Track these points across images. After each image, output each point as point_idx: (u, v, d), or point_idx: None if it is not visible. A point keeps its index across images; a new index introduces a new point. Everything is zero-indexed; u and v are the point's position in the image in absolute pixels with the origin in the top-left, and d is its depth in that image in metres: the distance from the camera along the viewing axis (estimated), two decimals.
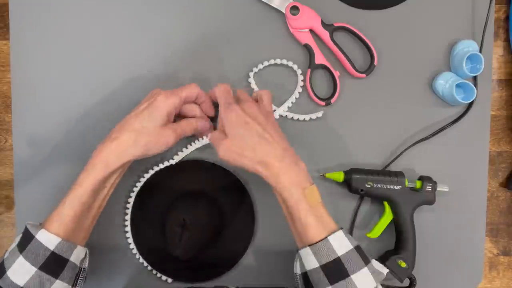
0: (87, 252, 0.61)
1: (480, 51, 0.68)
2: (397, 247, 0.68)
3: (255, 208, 0.70)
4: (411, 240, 0.67)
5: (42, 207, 0.70)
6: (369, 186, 0.67)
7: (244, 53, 0.71)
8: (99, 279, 0.70)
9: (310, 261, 0.54)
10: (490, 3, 0.68)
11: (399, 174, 0.67)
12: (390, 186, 0.67)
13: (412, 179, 0.68)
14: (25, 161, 0.71)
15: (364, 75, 0.70)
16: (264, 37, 0.71)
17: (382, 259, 0.68)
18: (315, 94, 0.69)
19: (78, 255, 0.57)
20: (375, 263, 0.56)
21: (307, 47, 0.69)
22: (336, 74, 0.69)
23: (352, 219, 0.70)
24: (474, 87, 0.68)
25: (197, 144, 0.69)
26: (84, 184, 0.57)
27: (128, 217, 0.69)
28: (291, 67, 0.70)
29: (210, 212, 0.67)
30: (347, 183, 0.68)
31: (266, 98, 0.63)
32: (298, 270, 0.58)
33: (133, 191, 0.69)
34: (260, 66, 0.70)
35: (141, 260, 0.70)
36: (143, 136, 0.59)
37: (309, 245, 0.55)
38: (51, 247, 0.54)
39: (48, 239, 0.54)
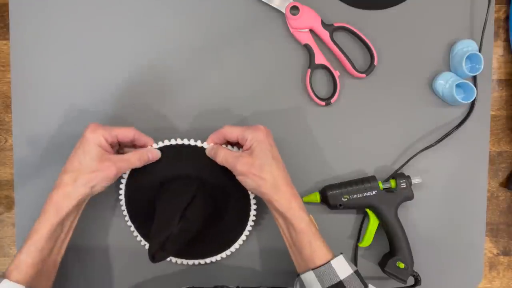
0: None
1: (480, 51, 0.68)
2: (392, 249, 0.68)
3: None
4: (402, 239, 0.67)
5: (42, 207, 0.70)
6: (346, 199, 0.67)
7: (244, 53, 0.71)
8: (98, 268, 0.71)
9: (312, 284, 0.57)
10: (489, 2, 0.68)
11: (372, 179, 0.67)
12: (366, 194, 0.67)
13: (388, 179, 0.69)
14: (25, 161, 0.71)
15: (364, 75, 0.70)
16: (264, 37, 0.71)
17: (381, 265, 0.68)
18: (315, 94, 0.69)
19: None
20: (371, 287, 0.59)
21: (307, 47, 0.69)
22: (336, 74, 0.69)
23: (357, 236, 0.71)
24: (474, 87, 0.68)
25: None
26: (40, 231, 0.57)
27: (122, 197, 0.68)
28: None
29: (209, 205, 0.66)
30: (325, 202, 0.68)
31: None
32: None
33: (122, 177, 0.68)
34: None
35: (139, 238, 0.69)
36: (81, 174, 0.57)
37: (312, 269, 0.57)
38: None
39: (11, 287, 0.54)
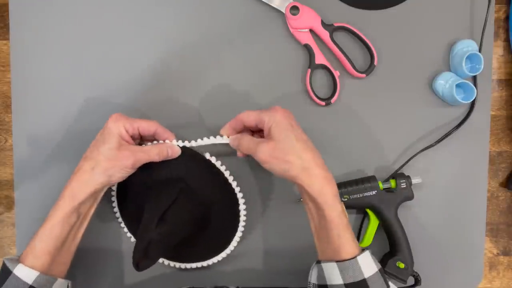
0: (70, 285, 0.60)
1: (480, 51, 0.68)
2: (391, 249, 0.68)
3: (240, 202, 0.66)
4: (402, 239, 0.67)
5: (42, 207, 0.70)
6: (346, 199, 0.67)
7: (244, 53, 0.71)
8: (95, 269, 0.70)
9: (334, 277, 0.54)
10: (489, 2, 0.68)
11: (372, 179, 0.67)
12: (365, 194, 0.67)
13: (388, 179, 0.69)
14: (25, 161, 0.71)
15: (364, 75, 0.70)
16: (264, 37, 0.71)
17: (381, 265, 0.68)
18: (315, 94, 0.69)
19: None
20: (393, 287, 0.56)
21: (307, 47, 0.69)
22: (336, 74, 0.69)
23: (357, 236, 0.71)
24: (474, 87, 0.68)
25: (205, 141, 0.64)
26: (54, 217, 0.56)
27: (114, 195, 0.68)
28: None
29: (192, 208, 0.64)
30: None
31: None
32: (314, 280, 0.57)
33: None
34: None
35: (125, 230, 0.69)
36: (100, 162, 0.57)
37: (337, 261, 0.54)
38: (29, 281, 0.54)
39: (26, 273, 0.54)
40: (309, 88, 0.69)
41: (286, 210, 0.70)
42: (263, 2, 0.69)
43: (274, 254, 0.71)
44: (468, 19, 0.70)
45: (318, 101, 0.69)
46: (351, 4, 0.71)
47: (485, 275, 0.74)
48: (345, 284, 0.53)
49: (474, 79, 0.70)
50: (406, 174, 0.68)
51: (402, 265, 0.66)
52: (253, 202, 0.70)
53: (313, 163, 0.55)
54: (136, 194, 0.65)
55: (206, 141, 0.64)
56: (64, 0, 0.71)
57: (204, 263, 0.69)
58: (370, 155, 0.71)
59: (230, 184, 0.65)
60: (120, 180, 0.59)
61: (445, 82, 0.68)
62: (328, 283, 0.55)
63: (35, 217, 0.70)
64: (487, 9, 0.68)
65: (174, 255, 0.68)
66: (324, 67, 0.70)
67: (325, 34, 0.69)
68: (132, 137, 0.61)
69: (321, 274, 0.56)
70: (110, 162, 0.57)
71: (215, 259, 0.68)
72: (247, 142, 0.58)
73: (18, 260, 0.56)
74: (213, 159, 0.64)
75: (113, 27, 0.71)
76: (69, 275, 0.60)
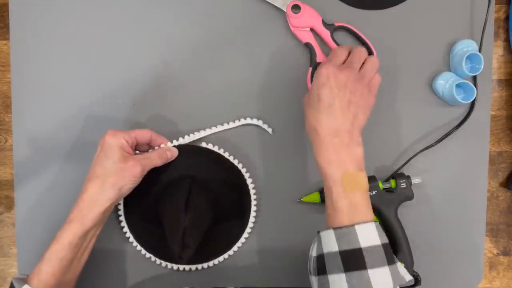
0: None
1: (480, 51, 0.68)
2: (392, 249, 0.67)
3: (251, 195, 0.69)
4: (402, 240, 0.67)
5: (42, 207, 0.70)
6: None
7: (245, 52, 0.71)
8: (97, 272, 0.70)
9: (330, 244, 0.53)
10: (489, 2, 0.68)
11: (371, 179, 0.67)
12: None
13: (388, 179, 0.68)
14: (25, 161, 0.71)
15: None
16: (265, 36, 0.71)
17: None
18: None
19: None
20: (400, 268, 0.54)
21: (308, 45, 0.69)
22: None
23: None
24: (474, 87, 0.68)
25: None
26: (62, 241, 0.56)
27: (121, 207, 0.69)
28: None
29: (207, 197, 0.66)
30: (325, 202, 0.67)
31: (370, 64, 0.60)
32: (314, 252, 0.56)
33: None
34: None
35: (134, 244, 0.69)
36: (108, 177, 0.58)
37: (333, 228, 0.53)
38: None
39: None
40: (310, 86, 0.69)
41: (286, 210, 0.70)
42: (265, 0, 0.69)
43: (274, 254, 0.71)
44: (468, 19, 0.70)
45: None
46: (351, 4, 0.70)
47: (485, 275, 0.74)
48: (339, 252, 0.52)
49: (474, 79, 0.70)
50: (406, 174, 0.68)
51: (402, 265, 0.66)
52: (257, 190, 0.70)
53: (325, 127, 0.56)
54: (144, 205, 0.67)
55: (197, 134, 0.68)
56: (64, 0, 0.71)
57: (210, 263, 0.69)
58: (370, 155, 0.70)
59: (236, 167, 0.68)
60: (128, 192, 0.60)
61: (445, 82, 0.68)
62: (324, 251, 0.54)
63: (35, 217, 0.70)
64: (487, 9, 0.68)
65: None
66: None
67: (326, 34, 0.69)
68: (131, 147, 0.62)
69: (319, 245, 0.55)
70: (117, 175, 0.58)
71: (226, 255, 0.69)
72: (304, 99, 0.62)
73: (25, 279, 0.56)
74: (210, 146, 0.68)
75: (113, 27, 0.71)
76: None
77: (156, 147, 0.65)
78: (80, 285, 0.62)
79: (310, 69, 0.69)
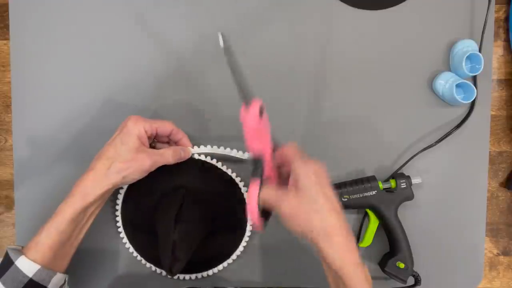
0: (67, 278, 0.60)
1: (480, 51, 0.68)
2: (392, 249, 0.68)
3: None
4: (402, 239, 0.67)
5: (42, 207, 0.70)
6: (346, 199, 0.67)
7: (246, 50, 0.70)
8: (92, 277, 0.70)
9: None
10: (489, 2, 0.68)
11: (371, 179, 0.67)
12: (366, 194, 0.67)
13: (387, 179, 0.68)
14: (25, 161, 0.71)
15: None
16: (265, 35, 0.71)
17: (381, 265, 0.68)
18: None
19: (57, 282, 0.57)
20: None
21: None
22: None
23: (357, 236, 0.71)
24: (474, 87, 0.68)
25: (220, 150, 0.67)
26: (63, 214, 0.56)
27: (118, 213, 0.68)
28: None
29: (200, 209, 0.66)
30: None
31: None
32: None
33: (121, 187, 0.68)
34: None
35: (135, 254, 0.69)
36: (116, 162, 0.58)
37: None
38: (30, 274, 0.54)
39: (27, 266, 0.54)
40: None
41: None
42: None
43: (274, 254, 0.71)
44: (468, 19, 0.70)
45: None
46: (351, 4, 0.71)
47: (485, 275, 0.74)
48: None
49: (474, 79, 0.70)
50: (406, 174, 0.68)
51: (402, 265, 0.66)
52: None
53: (336, 230, 0.51)
54: (141, 215, 0.68)
55: (216, 149, 0.66)
56: (64, 0, 0.71)
57: (210, 272, 0.69)
58: (370, 155, 0.71)
59: (233, 179, 0.67)
60: (132, 182, 0.60)
61: (445, 82, 0.68)
62: None
63: (35, 217, 0.70)
64: (487, 9, 0.68)
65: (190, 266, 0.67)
66: None
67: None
68: (149, 138, 0.62)
69: None
70: (126, 163, 0.58)
71: (225, 263, 0.69)
72: (267, 193, 0.54)
73: (21, 251, 0.56)
74: (202, 158, 0.67)
75: (113, 27, 0.71)
76: (68, 273, 0.60)
77: (173, 143, 0.65)
78: (77, 285, 0.62)
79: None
